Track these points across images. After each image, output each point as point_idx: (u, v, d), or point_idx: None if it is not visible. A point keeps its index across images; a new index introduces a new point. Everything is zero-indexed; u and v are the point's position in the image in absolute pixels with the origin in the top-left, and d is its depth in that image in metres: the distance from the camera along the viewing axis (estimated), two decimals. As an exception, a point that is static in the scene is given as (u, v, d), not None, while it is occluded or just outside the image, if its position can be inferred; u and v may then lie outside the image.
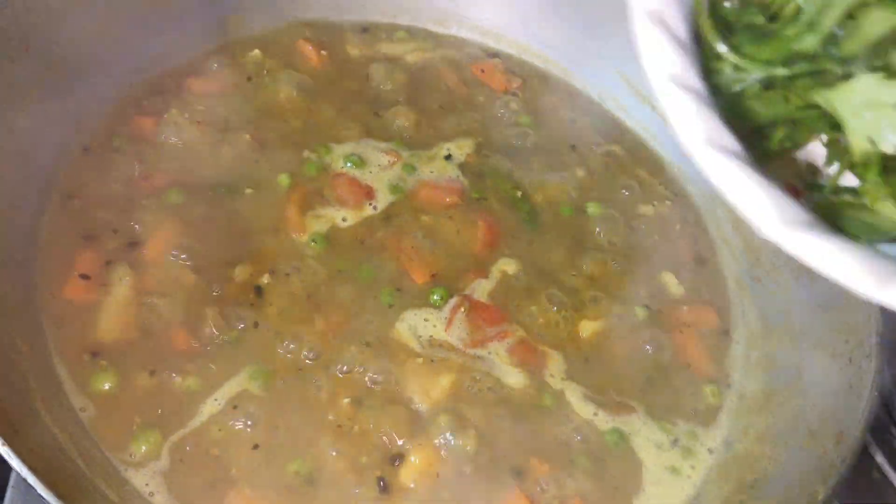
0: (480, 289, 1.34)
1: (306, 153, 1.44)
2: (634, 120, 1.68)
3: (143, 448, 1.10)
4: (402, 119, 1.53)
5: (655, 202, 1.56)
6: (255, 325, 1.23)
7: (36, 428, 1.01)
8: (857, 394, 1.17)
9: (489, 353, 1.28)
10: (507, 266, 1.38)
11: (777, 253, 1.44)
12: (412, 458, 1.15)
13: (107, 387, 1.13)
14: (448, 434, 1.17)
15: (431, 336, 1.27)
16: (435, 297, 1.30)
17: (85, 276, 1.23)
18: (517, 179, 1.51)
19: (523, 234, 1.43)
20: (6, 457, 0.88)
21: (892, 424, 1.46)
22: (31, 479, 0.87)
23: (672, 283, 1.45)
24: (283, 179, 1.40)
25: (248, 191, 1.37)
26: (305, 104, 1.52)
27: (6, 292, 1.12)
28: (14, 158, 1.23)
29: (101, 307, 1.21)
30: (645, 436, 1.26)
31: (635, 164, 1.63)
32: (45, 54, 1.28)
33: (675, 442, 1.27)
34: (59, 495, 0.87)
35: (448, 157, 1.50)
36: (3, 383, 1.01)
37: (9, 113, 1.22)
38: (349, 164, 1.44)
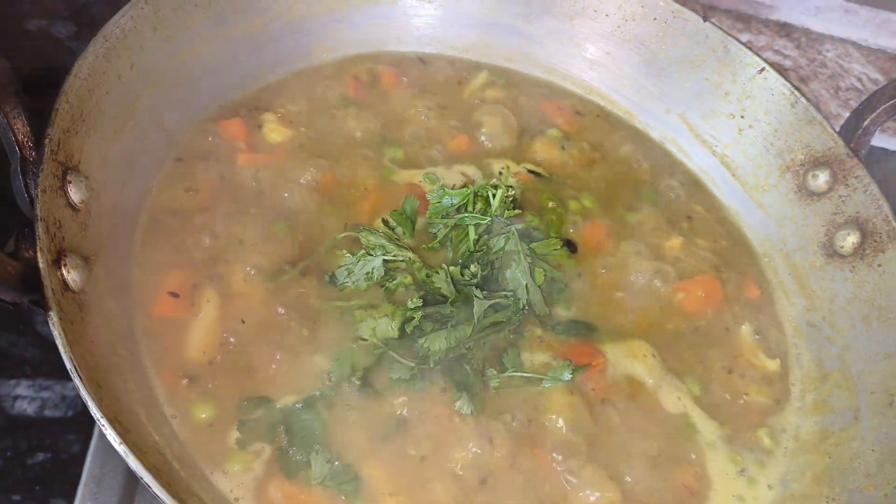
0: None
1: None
2: (694, 164, 1.74)
3: (237, 468, 1.14)
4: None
5: (712, 238, 1.62)
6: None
7: (138, 428, 1.05)
8: (916, 439, 1.22)
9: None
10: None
11: (833, 299, 1.49)
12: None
13: (204, 416, 1.18)
14: None
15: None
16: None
17: (174, 294, 1.27)
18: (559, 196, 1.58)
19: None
20: (123, 455, 0.93)
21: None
22: (148, 478, 0.92)
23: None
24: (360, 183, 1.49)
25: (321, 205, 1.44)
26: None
27: (108, 304, 1.17)
28: (114, 174, 1.28)
29: (190, 327, 1.25)
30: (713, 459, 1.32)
31: (691, 200, 1.68)
32: (149, 71, 1.35)
33: (742, 471, 1.32)
34: (172, 494, 0.92)
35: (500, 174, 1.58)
36: (108, 384, 1.06)
37: (112, 132, 1.28)
38: (426, 180, 1.52)
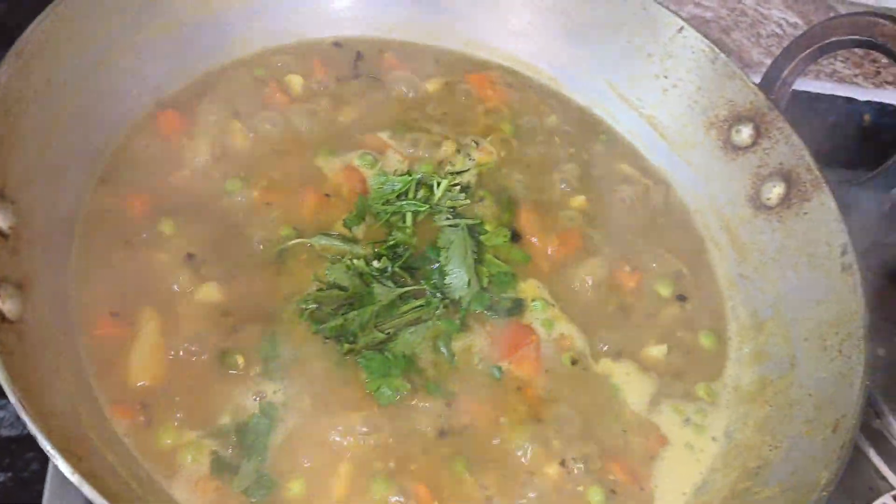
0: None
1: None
2: (622, 126, 1.76)
3: (189, 458, 1.15)
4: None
5: (643, 197, 1.65)
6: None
7: (93, 453, 1.05)
8: (849, 383, 1.27)
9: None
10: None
11: (763, 250, 1.54)
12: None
13: (168, 442, 1.17)
14: None
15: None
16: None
17: (115, 314, 1.25)
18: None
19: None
20: (78, 485, 0.93)
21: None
22: (104, 504, 0.92)
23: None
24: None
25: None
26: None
27: (49, 328, 1.15)
28: (43, 194, 1.25)
29: (132, 348, 1.23)
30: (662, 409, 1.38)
31: (620, 159, 1.71)
32: (67, 84, 1.31)
33: (687, 421, 1.37)
34: (131, 517, 0.92)
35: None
36: (55, 410, 1.05)
37: (35, 152, 1.24)
38: (362, 163, 1.53)
